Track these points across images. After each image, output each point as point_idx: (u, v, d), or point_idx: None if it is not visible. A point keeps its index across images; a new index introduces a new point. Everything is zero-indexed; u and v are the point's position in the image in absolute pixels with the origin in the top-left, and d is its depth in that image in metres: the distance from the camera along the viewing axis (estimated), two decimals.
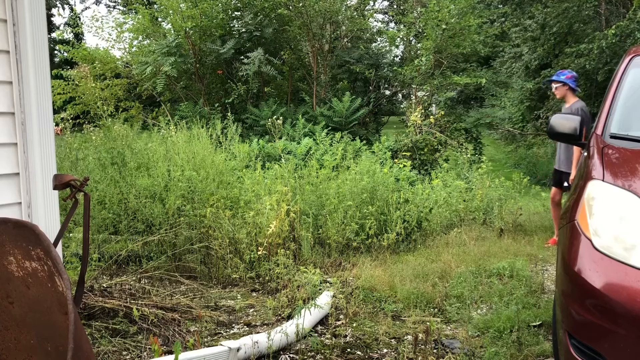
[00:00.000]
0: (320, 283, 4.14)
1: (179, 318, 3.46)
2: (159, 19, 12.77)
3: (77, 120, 10.25)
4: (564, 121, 3.10)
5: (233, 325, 3.58)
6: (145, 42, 12.78)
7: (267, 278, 4.43)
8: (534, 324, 3.50)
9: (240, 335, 3.31)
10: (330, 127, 10.50)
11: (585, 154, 2.84)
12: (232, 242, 4.72)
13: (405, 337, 3.38)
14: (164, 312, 3.43)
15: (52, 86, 5.90)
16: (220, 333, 3.43)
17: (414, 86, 12.34)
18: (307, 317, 3.37)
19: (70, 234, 4.83)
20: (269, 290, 4.25)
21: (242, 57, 11.32)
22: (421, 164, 9.42)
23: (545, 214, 7.18)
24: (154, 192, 5.25)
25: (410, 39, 13.42)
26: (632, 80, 3.12)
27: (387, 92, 13.99)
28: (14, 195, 2.81)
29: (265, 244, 4.58)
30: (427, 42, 10.95)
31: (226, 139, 6.89)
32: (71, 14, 23.87)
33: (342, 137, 8.12)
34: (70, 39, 13.39)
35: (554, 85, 5.56)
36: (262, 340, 3.02)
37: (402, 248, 5.42)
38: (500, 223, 6.10)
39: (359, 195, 5.58)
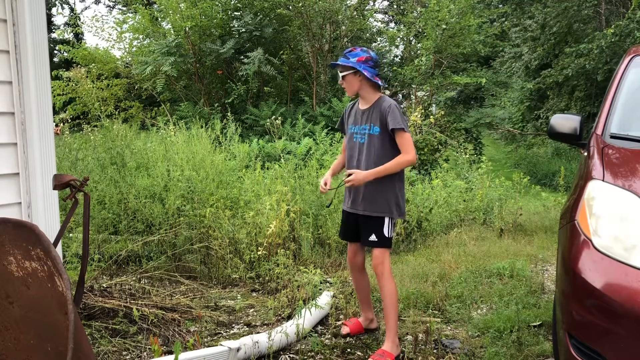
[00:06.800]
0: (321, 283, 4.14)
1: (179, 318, 3.45)
2: (159, 19, 12.76)
3: (77, 121, 10.26)
4: (564, 121, 3.10)
5: (233, 325, 3.58)
6: (145, 42, 12.77)
7: (267, 278, 4.43)
8: (534, 324, 3.49)
9: (240, 336, 3.31)
10: (330, 127, 10.49)
11: (585, 154, 2.84)
12: (232, 242, 4.72)
13: (405, 337, 3.38)
14: (163, 312, 3.43)
15: (52, 87, 5.86)
16: (220, 333, 3.43)
17: (413, 86, 12.33)
18: (307, 317, 3.37)
19: (71, 234, 4.82)
20: (269, 290, 4.25)
21: (242, 57, 11.31)
22: (421, 164, 9.42)
23: (546, 214, 7.18)
24: (154, 192, 5.25)
25: (410, 39, 13.41)
26: (632, 80, 3.11)
27: (387, 92, 13.96)
28: (14, 195, 2.81)
29: (265, 244, 4.58)
30: (427, 42, 10.95)
31: (226, 139, 6.88)
32: (71, 14, 23.85)
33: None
34: (71, 39, 13.37)
35: (341, 74, 3.21)
36: (262, 340, 3.02)
37: (402, 248, 5.42)
38: (500, 223, 6.10)
39: None
